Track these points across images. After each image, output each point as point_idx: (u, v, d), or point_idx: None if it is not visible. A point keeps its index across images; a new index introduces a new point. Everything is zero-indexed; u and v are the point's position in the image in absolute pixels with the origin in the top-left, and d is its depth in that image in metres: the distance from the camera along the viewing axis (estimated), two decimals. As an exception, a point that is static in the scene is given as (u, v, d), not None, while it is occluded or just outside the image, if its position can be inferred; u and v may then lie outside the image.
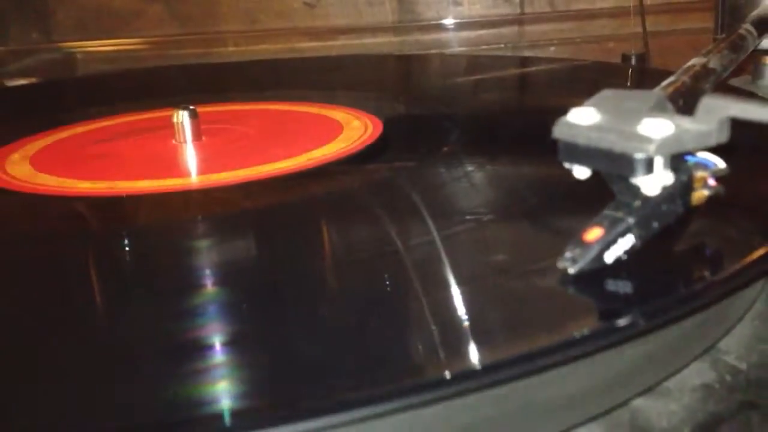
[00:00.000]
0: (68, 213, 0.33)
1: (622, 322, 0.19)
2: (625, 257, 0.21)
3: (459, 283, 0.23)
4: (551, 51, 0.72)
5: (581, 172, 0.22)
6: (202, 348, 0.21)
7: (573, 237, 0.22)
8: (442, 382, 0.18)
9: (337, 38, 0.75)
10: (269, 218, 0.31)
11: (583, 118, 0.22)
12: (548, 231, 0.28)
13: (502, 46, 0.72)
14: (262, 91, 0.53)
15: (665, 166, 0.21)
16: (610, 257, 0.21)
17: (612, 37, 0.70)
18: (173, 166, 0.38)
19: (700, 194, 0.23)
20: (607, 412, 0.22)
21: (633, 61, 0.51)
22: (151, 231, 0.31)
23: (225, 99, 0.50)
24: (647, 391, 0.23)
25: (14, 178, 0.37)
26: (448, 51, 0.73)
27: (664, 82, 0.29)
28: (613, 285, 0.21)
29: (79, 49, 0.75)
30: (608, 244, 0.21)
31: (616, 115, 0.22)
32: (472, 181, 0.33)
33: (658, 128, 0.20)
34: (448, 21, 0.75)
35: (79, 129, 0.46)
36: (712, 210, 0.24)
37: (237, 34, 0.76)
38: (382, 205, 0.31)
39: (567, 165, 0.22)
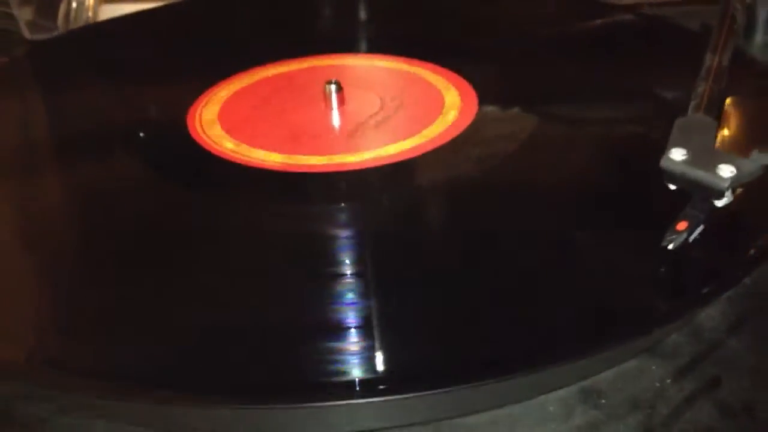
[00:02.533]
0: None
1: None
2: (699, 237, 0.37)
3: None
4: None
5: (672, 186, 0.37)
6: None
7: (670, 227, 0.37)
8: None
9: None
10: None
11: (678, 155, 0.37)
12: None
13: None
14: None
15: (729, 190, 0.36)
16: (691, 238, 0.37)
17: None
18: (340, 140, 0.49)
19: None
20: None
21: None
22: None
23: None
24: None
25: (205, 134, 0.50)
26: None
27: (698, 90, 0.43)
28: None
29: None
30: (691, 230, 0.37)
31: (696, 151, 0.37)
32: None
33: (728, 171, 0.35)
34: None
35: (246, 80, 0.57)
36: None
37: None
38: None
39: (667, 183, 0.37)
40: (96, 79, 0.59)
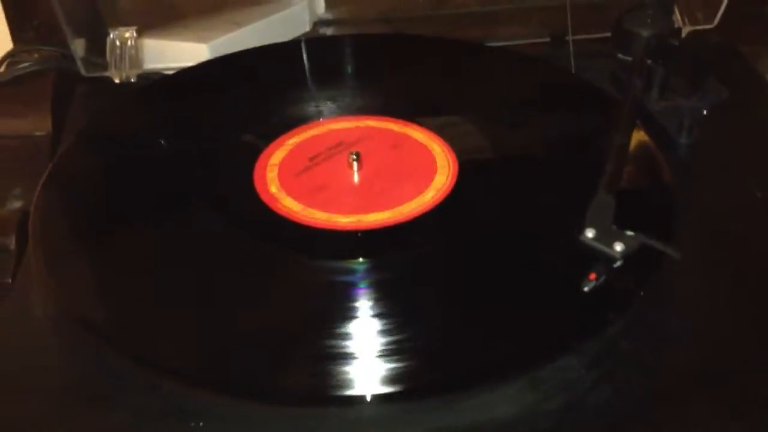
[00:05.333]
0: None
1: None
2: (603, 283, 0.59)
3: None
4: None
5: (585, 251, 0.59)
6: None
7: (584, 277, 0.59)
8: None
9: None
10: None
11: (590, 233, 0.59)
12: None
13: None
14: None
15: (622, 257, 0.58)
16: (599, 283, 0.59)
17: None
18: (370, 200, 0.62)
19: (625, 249, 0.60)
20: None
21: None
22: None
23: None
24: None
25: (264, 178, 0.64)
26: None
27: (606, 169, 0.64)
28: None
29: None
30: (598, 280, 0.59)
31: (601, 230, 0.58)
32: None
33: (619, 246, 0.57)
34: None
35: (297, 138, 0.69)
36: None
37: None
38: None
39: (582, 248, 0.59)
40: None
